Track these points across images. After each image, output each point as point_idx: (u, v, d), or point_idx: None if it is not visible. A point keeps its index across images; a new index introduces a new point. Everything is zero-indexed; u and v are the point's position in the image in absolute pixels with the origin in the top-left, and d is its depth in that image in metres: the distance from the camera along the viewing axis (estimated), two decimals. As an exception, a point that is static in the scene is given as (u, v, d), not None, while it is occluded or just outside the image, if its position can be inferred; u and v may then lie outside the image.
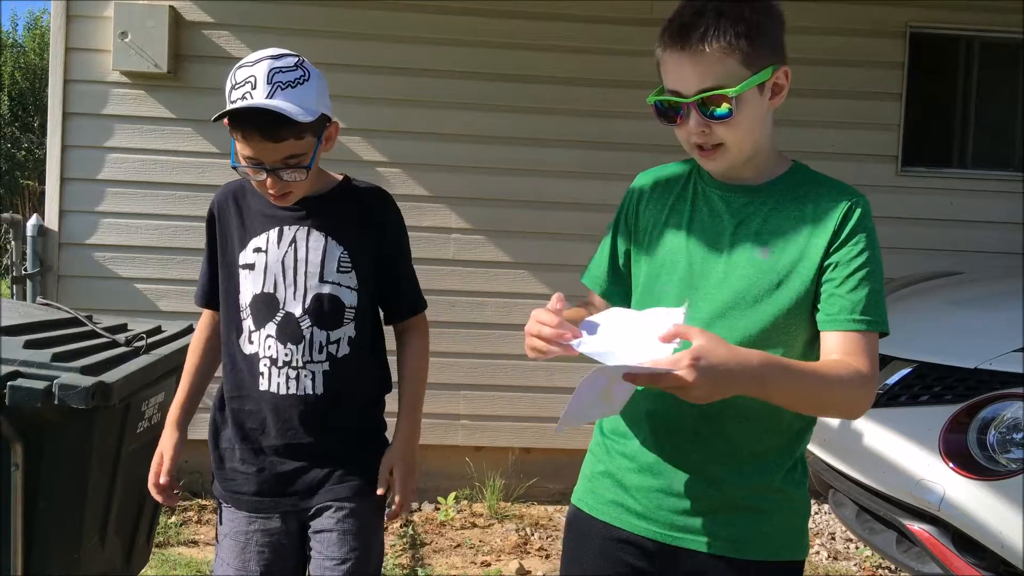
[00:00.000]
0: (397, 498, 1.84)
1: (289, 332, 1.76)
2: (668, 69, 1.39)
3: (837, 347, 1.35)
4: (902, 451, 2.83)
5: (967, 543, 2.61)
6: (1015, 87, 4.78)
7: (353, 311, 1.80)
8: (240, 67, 1.73)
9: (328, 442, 1.79)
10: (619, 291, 1.57)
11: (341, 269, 1.79)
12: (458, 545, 3.91)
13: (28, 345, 2.04)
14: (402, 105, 4.36)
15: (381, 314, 1.91)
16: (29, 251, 4.20)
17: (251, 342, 1.79)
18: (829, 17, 4.49)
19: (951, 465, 2.64)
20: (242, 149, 1.70)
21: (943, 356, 2.92)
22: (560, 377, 4.45)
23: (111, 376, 2.04)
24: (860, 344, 1.34)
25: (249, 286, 1.79)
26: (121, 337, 2.35)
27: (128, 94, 4.31)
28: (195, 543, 3.78)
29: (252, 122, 1.67)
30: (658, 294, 1.46)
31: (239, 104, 1.67)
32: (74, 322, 2.39)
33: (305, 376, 1.76)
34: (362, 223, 1.83)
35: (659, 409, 1.42)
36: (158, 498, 1.86)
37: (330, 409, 1.78)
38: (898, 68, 4.56)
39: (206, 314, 1.94)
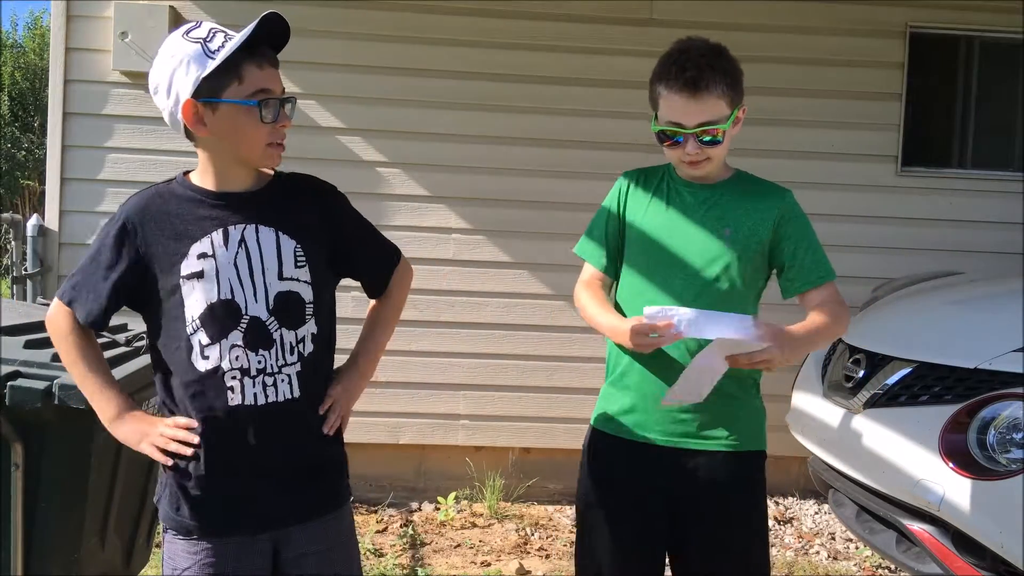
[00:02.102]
0: (331, 419, 1.74)
1: (258, 338, 1.64)
2: (673, 105, 1.88)
3: (817, 297, 1.96)
4: (902, 451, 2.83)
5: (967, 543, 2.61)
6: (1015, 87, 4.78)
7: (312, 306, 1.69)
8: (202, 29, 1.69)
9: (311, 448, 1.72)
10: (611, 264, 2.06)
11: (297, 264, 1.68)
12: (458, 545, 3.91)
13: (28, 345, 2.05)
14: (402, 105, 4.37)
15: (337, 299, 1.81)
16: (29, 251, 4.20)
17: (205, 357, 1.63)
18: (829, 17, 4.49)
19: (951, 465, 2.64)
20: (255, 81, 1.61)
21: (943, 356, 2.91)
22: (560, 377, 4.45)
23: (111, 376, 2.03)
24: (829, 290, 1.97)
25: (199, 296, 1.63)
26: (121, 337, 2.35)
27: (128, 94, 4.31)
28: (195, 543, 3.78)
29: (272, 38, 1.65)
30: (652, 264, 1.97)
31: (271, 13, 1.61)
32: (74, 322, 2.39)
33: (282, 381, 1.65)
34: (306, 214, 1.73)
35: (658, 353, 1.89)
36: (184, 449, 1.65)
37: (308, 411, 1.71)
38: (898, 68, 4.57)
39: (78, 327, 1.69)
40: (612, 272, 2.06)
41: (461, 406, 4.45)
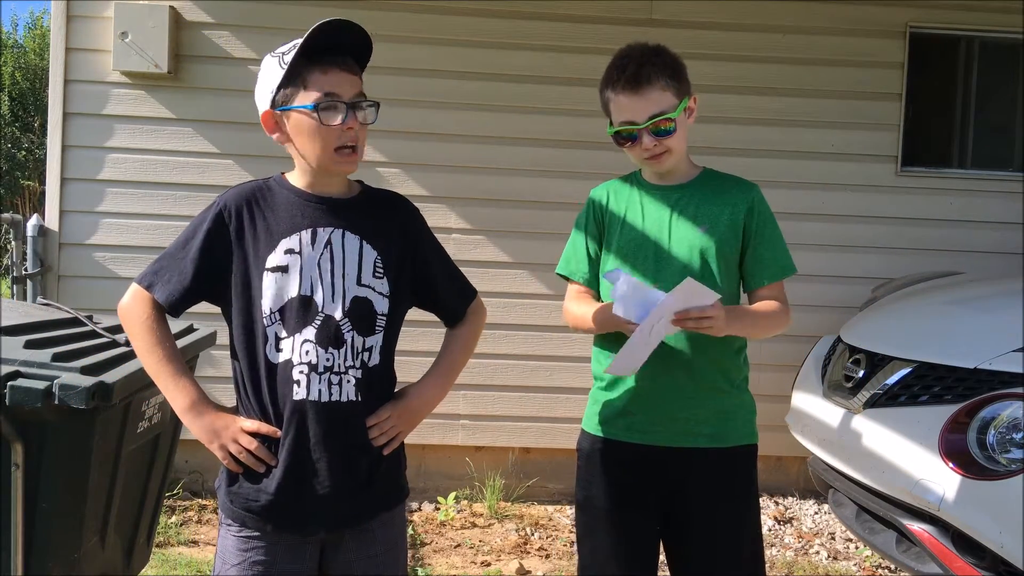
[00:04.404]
0: (374, 433, 1.74)
1: (330, 336, 1.68)
2: (622, 106, 1.97)
3: (765, 294, 2.02)
4: (902, 451, 2.83)
5: (967, 543, 2.61)
6: (1015, 87, 4.78)
7: (384, 319, 1.73)
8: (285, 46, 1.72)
9: (367, 452, 1.73)
10: (592, 277, 2.12)
11: (376, 274, 1.73)
12: (458, 545, 3.91)
13: (28, 345, 2.05)
14: (402, 105, 4.36)
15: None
16: (29, 251, 4.20)
17: (280, 349, 1.68)
18: (829, 17, 4.50)
19: (951, 465, 2.64)
20: (319, 87, 1.65)
21: (943, 356, 2.92)
22: (560, 377, 4.46)
23: (111, 376, 2.04)
24: (774, 291, 2.02)
25: (281, 289, 1.68)
26: (121, 337, 2.34)
27: (128, 94, 4.31)
28: (195, 543, 3.79)
29: (340, 44, 1.67)
30: (633, 268, 2.00)
31: (329, 19, 1.64)
32: (74, 322, 2.40)
33: (347, 381, 1.69)
34: (390, 229, 1.79)
35: (656, 351, 1.93)
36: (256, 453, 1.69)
37: (365, 418, 1.72)
38: (898, 68, 4.57)
39: (156, 313, 1.74)
40: (596, 285, 2.12)
41: (461, 406, 4.45)
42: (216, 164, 4.35)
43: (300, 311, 1.68)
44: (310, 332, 1.68)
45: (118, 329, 2.41)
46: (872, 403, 3.06)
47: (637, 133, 1.95)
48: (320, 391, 1.67)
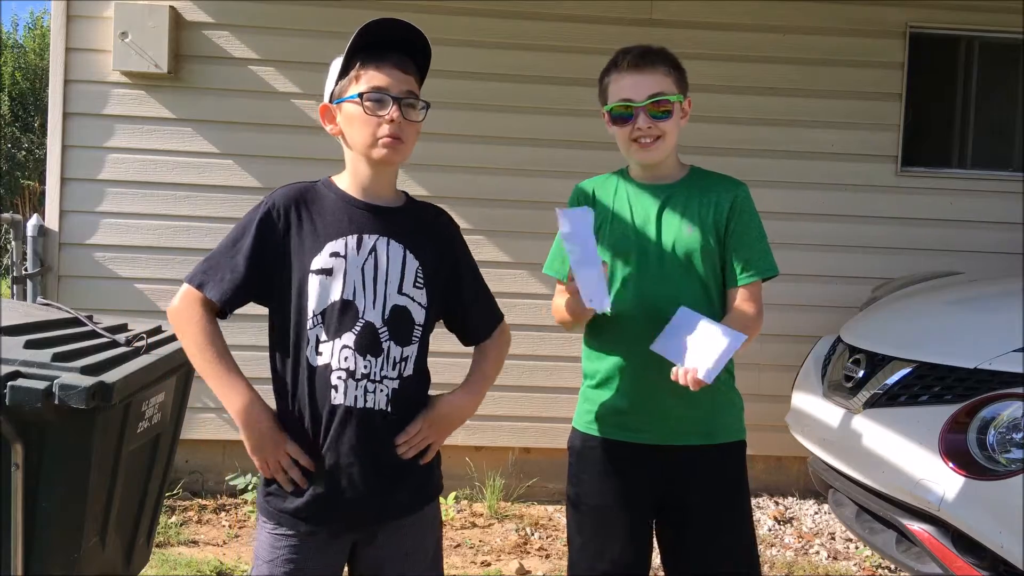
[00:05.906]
0: (402, 449, 1.76)
1: (368, 343, 1.70)
2: (622, 86, 1.99)
3: (739, 296, 2.01)
4: (902, 451, 2.83)
5: (967, 543, 2.61)
6: (1015, 87, 4.78)
7: (420, 330, 1.77)
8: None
9: (397, 459, 1.75)
10: None
11: (416, 284, 1.76)
12: (458, 545, 3.91)
13: (28, 345, 2.04)
14: (402, 105, 4.36)
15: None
16: (29, 251, 4.20)
17: (319, 353, 1.70)
18: (829, 17, 4.50)
19: (951, 465, 2.64)
20: (368, 80, 1.71)
21: (943, 356, 2.91)
22: (560, 377, 4.46)
23: (111, 376, 2.03)
24: (749, 292, 2.01)
25: (324, 292, 1.70)
26: (121, 337, 2.34)
27: (128, 94, 4.31)
28: (195, 543, 3.79)
29: (395, 40, 1.73)
30: (623, 270, 2.01)
31: (378, 19, 1.70)
32: (74, 322, 2.39)
33: (381, 391, 1.71)
34: (432, 242, 1.81)
35: (638, 350, 1.95)
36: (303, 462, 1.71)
37: (397, 429, 1.75)
38: (898, 68, 4.57)
39: (207, 313, 1.73)
40: None
41: (461, 406, 4.44)
42: (216, 164, 4.34)
43: (341, 316, 1.70)
44: (349, 338, 1.70)
45: (118, 329, 2.41)
46: (872, 403, 3.06)
47: (633, 112, 1.96)
48: (356, 397, 1.70)
